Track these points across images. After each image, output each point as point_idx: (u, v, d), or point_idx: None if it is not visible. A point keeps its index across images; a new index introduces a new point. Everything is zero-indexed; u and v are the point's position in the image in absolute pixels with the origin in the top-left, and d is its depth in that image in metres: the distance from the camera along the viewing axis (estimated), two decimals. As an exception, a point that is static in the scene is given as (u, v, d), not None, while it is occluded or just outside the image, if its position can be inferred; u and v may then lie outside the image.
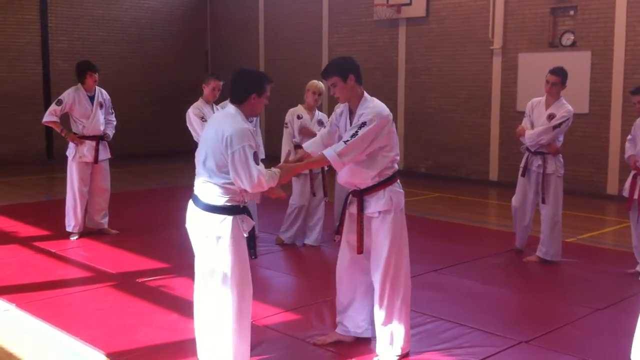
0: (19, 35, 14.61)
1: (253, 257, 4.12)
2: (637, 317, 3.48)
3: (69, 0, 15.23)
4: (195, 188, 4.06)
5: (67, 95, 7.63)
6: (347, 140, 4.23)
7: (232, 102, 4.07)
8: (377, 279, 4.42)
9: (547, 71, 6.87)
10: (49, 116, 7.63)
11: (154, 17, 16.57)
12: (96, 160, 7.72)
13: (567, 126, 6.79)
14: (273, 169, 4.04)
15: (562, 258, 6.97)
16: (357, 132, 4.22)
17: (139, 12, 16.32)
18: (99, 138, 7.74)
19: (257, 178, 3.83)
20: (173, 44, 16.87)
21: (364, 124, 4.22)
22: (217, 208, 3.94)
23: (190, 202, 4.09)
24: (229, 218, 3.93)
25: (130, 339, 4.80)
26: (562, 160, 6.90)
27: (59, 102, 7.62)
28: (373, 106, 4.32)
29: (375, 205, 4.37)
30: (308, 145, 4.63)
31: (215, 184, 3.93)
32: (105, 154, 7.85)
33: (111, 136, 7.92)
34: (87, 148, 7.68)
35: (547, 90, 6.80)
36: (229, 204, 3.95)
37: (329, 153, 4.25)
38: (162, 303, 5.57)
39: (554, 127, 6.69)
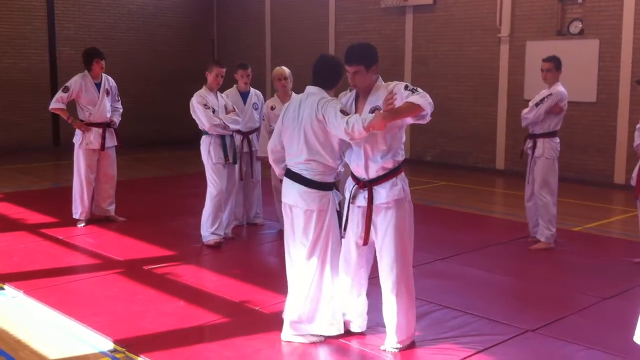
0: (25, 22, 14.59)
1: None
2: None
3: (76, -13, 15.25)
4: (292, 167, 4.45)
5: (74, 82, 7.63)
6: (414, 89, 4.09)
7: (320, 86, 4.46)
8: (391, 271, 4.35)
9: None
10: (56, 103, 7.65)
11: (160, 4, 16.52)
12: (103, 147, 7.74)
13: (552, 104, 6.81)
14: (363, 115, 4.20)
15: (569, 247, 6.99)
16: (413, 89, 4.11)
17: (146, -1, 16.31)
18: (105, 125, 7.76)
19: (348, 123, 4.10)
20: (179, 31, 16.83)
21: (406, 86, 4.14)
22: (320, 185, 4.38)
23: (288, 180, 4.46)
24: (329, 193, 4.41)
25: (137, 325, 4.83)
26: (554, 144, 6.94)
27: (66, 89, 7.63)
28: (395, 81, 4.27)
29: (387, 194, 4.27)
30: None
31: (320, 161, 4.34)
32: (111, 141, 7.86)
33: (117, 123, 7.93)
34: (94, 135, 7.69)
35: (543, 78, 6.97)
36: (329, 181, 4.42)
37: (414, 98, 4.02)
38: (169, 290, 5.59)
39: (536, 105, 6.86)
